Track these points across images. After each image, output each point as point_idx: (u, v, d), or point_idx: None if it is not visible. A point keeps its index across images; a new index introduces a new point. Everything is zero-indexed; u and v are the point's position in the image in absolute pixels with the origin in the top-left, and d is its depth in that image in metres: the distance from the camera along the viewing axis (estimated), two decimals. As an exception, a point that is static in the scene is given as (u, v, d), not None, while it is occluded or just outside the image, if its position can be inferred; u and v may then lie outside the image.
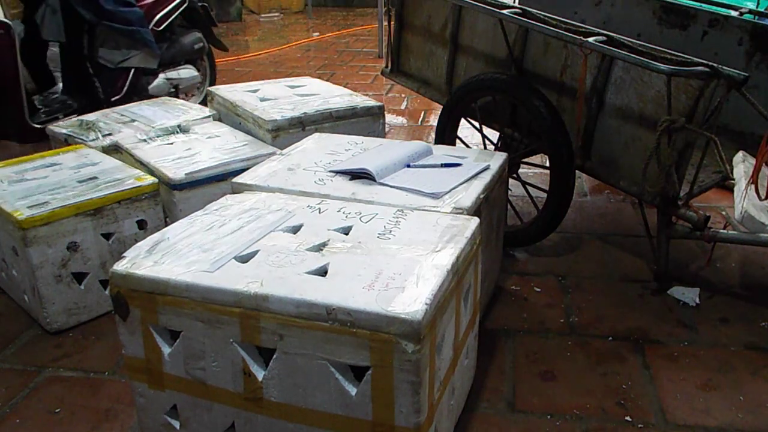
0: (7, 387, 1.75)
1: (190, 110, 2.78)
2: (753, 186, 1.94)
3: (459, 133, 2.56)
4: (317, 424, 1.24)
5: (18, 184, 2.05)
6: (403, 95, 4.65)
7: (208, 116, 2.72)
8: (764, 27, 2.45)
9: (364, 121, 2.59)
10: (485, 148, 2.57)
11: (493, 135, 2.57)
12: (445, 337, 1.31)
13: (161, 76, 3.63)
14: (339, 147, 2.00)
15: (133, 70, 3.40)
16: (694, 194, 2.12)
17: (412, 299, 1.16)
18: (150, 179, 2.10)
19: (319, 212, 1.55)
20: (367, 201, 1.63)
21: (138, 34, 3.28)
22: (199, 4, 3.91)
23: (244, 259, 1.32)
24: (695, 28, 2.61)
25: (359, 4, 9.58)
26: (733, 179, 2.13)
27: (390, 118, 4.04)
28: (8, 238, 1.94)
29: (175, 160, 2.27)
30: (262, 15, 8.98)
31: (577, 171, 2.20)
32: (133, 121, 2.64)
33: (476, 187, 1.69)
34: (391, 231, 1.44)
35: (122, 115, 2.71)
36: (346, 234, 1.44)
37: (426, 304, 1.15)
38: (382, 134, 2.68)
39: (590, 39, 1.95)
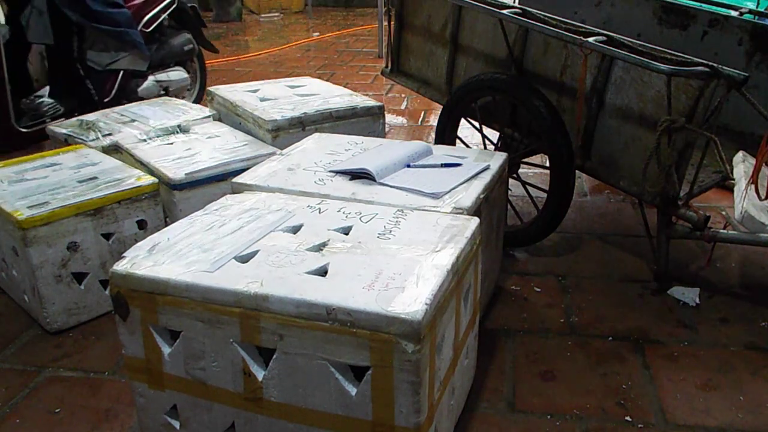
0: (7, 387, 1.75)
1: (190, 110, 2.78)
2: (753, 186, 1.94)
3: (459, 133, 2.56)
4: (317, 424, 1.24)
5: (18, 184, 2.05)
6: (403, 95, 4.65)
7: (208, 116, 2.72)
8: (764, 27, 2.45)
9: (364, 121, 2.59)
10: (485, 148, 2.57)
11: (493, 135, 2.57)
12: (445, 337, 1.31)
13: (150, 78, 3.57)
14: (339, 147, 2.00)
15: (121, 73, 3.35)
16: (694, 194, 2.12)
17: (412, 299, 1.16)
18: (150, 179, 2.10)
19: (319, 212, 1.55)
20: (367, 201, 1.63)
21: (127, 36, 3.23)
22: (189, 5, 3.86)
23: (244, 259, 1.32)
24: (695, 28, 2.61)
25: (359, 4, 9.58)
26: (733, 179, 2.13)
27: (390, 118, 4.04)
28: (8, 238, 1.94)
29: (175, 160, 2.27)
30: (262, 15, 8.99)
31: (577, 171, 2.20)
32: (133, 121, 2.64)
33: (476, 187, 1.69)
34: (391, 231, 1.44)
35: (122, 115, 2.71)
36: (346, 234, 1.44)
37: (426, 304, 1.15)
38: (382, 134, 2.68)
39: (590, 39, 1.95)
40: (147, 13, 3.48)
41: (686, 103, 1.87)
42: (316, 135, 2.15)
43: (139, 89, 3.50)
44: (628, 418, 1.61)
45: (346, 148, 1.98)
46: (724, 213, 2.71)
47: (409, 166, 1.83)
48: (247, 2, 9.06)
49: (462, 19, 2.57)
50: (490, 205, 1.80)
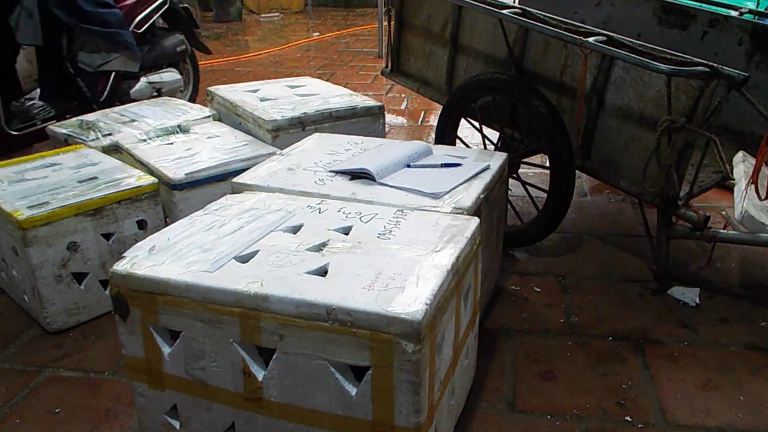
0: (7, 387, 1.75)
1: (190, 110, 2.78)
2: (753, 186, 1.94)
3: (459, 133, 2.56)
4: (317, 424, 1.24)
5: (18, 184, 2.05)
6: (403, 95, 4.65)
7: (208, 116, 2.72)
8: (764, 27, 2.46)
9: (364, 121, 2.59)
10: (485, 148, 2.57)
11: (493, 135, 2.57)
12: (445, 337, 1.31)
13: (143, 79, 3.51)
14: (339, 147, 2.00)
15: (113, 74, 3.30)
16: (694, 194, 2.12)
17: (412, 299, 1.16)
18: (150, 179, 2.10)
19: (319, 212, 1.55)
20: (367, 201, 1.63)
21: (118, 37, 3.18)
22: (181, 5, 3.81)
23: (244, 259, 1.32)
24: (695, 28, 2.61)
25: (359, 4, 9.58)
26: (733, 179, 2.13)
27: (390, 118, 4.04)
28: (8, 238, 1.94)
29: (175, 160, 2.27)
30: (262, 15, 8.99)
31: (577, 171, 2.20)
32: (133, 121, 2.64)
33: (476, 187, 1.69)
34: (391, 231, 1.44)
35: (122, 115, 2.71)
36: (346, 234, 1.44)
37: (426, 304, 1.15)
38: (382, 134, 2.68)
39: (590, 39, 1.95)
40: (139, 14, 3.42)
41: (686, 103, 1.87)
42: (316, 135, 2.15)
43: (132, 91, 3.44)
44: (628, 418, 1.61)
45: (346, 148, 1.98)
46: (724, 213, 2.71)
47: (409, 166, 1.83)
48: (247, 2, 9.06)
49: (462, 19, 2.57)
50: (490, 205, 1.80)
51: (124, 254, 1.35)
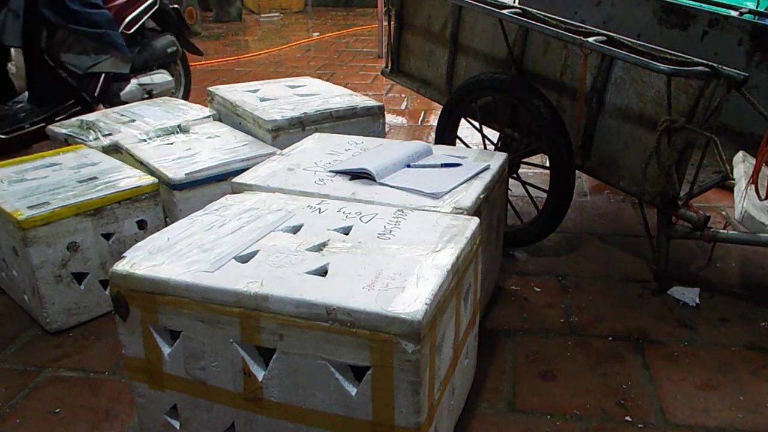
0: (7, 387, 1.75)
1: (190, 110, 2.78)
2: (753, 186, 1.94)
3: (459, 133, 2.56)
4: (317, 424, 1.24)
5: (18, 184, 2.05)
6: (403, 95, 4.65)
7: (208, 116, 2.72)
8: (764, 27, 2.46)
9: (364, 121, 2.59)
10: (485, 148, 2.57)
11: (493, 135, 2.57)
12: (445, 337, 1.31)
13: (133, 81, 3.46)
14: (339, 147, 2.00)
15: (103, 76, 3.25)
16: (694, 194, 2.12)
17: (412, 299, 1.16)
18: (150, 179, 2.10)
19: (319, 212, 1.55)
20: (367, 201, 1.63)
21: (107, 37, 3.13)
22: (171, 6, 3.76)
23: (244, 259, 1.32)
24: (695, 28, 2.62)
25: (359, 4, 9.58)
26: (733, 179, 2.13)
27: (390, 118, 4.04)
28: (8, 238, 1.94)
29: (175, 160, 2.27)
30: (262, 15, 8.99)
31: (577, 171, 2.20)
32: (133, 121, 2.64)
33: (476, 187, 1.69)
34: (391, 231, 1.44)
35: (122, 115, 2.71)
36: (346, 234, 1.44)
37: (426, 304, 1.15)
38: (382, 134, 2.68)
39: (590, 39, 1.95)
40: (128, 15, 3.36)
41: (686, 103, 1.87)
42: (316, 135, 2.15)
43: (122, 93, 3.39)
44: (628, 418, 1.61)
45: (346, 148, 1.98)
46: (724, 213, 2.71)
47: (409, 166, 1.83)
48: (247, 2, 9.06)
49: (462, 19, 2.57)
50: (490, 205, 1.80)
51: (124, 254, 1.35)
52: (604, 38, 1.98)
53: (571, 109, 2.21)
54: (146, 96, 3.49)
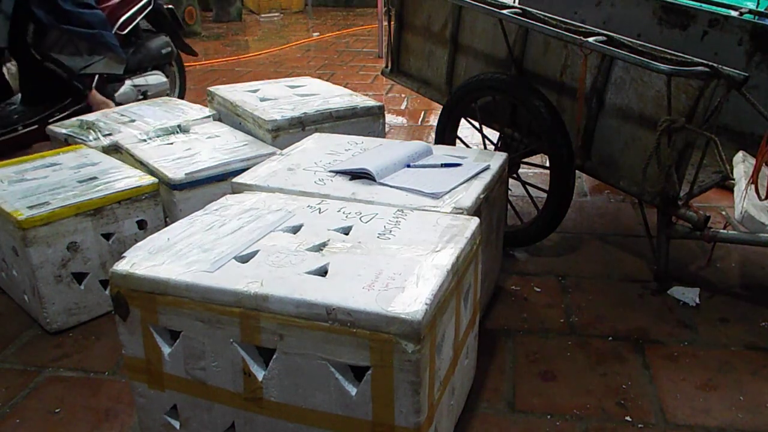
0: (7, 387, 1.75)
1: (190, 110, 2.78)
2: (753, 186, 1.94)
3: (459, 133, 2.56)
4: (317, 424, 1.24)
5: (18, 184, 2.05)
6: (403, 95, 4.65)
7: (208, 116, 2.72)
8: (764, 27, 2.46)
9: (364, 121, 2.59)
10: (485, 148, 2.57)
11: (493, 135, 2.57)
12: (445, 337, 1.31)
13: (128, 82, 3.44)
14: (339, 147, 2.00)
15: (96, 77, 3.21)
16: (694, 194, 2.12)
17: (412, 299, 1.16)
18: (150, 179, 2.10)
19: (319, 212, 1.55)
20: (367, 201, 1.63)
21: (101, 38, 3.09)
22: (165, 6, 3.73)
23: (244, 259, 1.32)
24: (695, 28, 2.61)
25: (359, 4, 9.58)
26: (733, 179, 2.13)
27: (390, 118, 4.04)
28: (8, 238, 1.94)
29: (175, 160, 2.27)
30: (262, 15, 8.99)
31: (577, 171, 2.20)
32: (133, 121, 2.64)
33: (476, 187, 1.69)
34: (391, 231, 1.44)
35: (122, 115, 2.71)
36: (346, 234, 1.44)
37: (426, 304, 1.15)
38: (382, 134, 2.68)
39: (590, 39, 1.95)
40: (122, 15, 3.33)
41: (686, 103, 1.87)
42: (316, 135, 2.15)
43: (116, 94, 3.36)
44: (628, 418, 1.61)
45: (346, 148, 1.98)
46: (724, 213, 2.71)
47: (409, 166, 1.83)
48: (247, 2, 9.06)
49: (462, 19, 2.57)
50: (490, 205, 1.80)
51: (124, 254, 1.35)
52: (604, 38, 1.98)
53: (571, 109, 2.21)
54: (141, 97, 3.46)
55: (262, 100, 2.65)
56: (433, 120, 4.02)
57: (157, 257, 1.33)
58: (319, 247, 1.37)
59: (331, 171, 1.80)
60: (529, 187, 2.47)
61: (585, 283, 2.23)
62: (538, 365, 1.82)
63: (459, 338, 1.44)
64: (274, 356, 1.22)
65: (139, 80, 3.52)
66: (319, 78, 3.20)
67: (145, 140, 2.46)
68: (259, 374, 1.25)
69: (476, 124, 2.50)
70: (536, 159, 2.96)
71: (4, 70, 3.23)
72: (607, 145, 2.15)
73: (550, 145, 2.15)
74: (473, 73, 2.53)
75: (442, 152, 1.95)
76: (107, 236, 2.01)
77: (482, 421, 1.61)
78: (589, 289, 2.19)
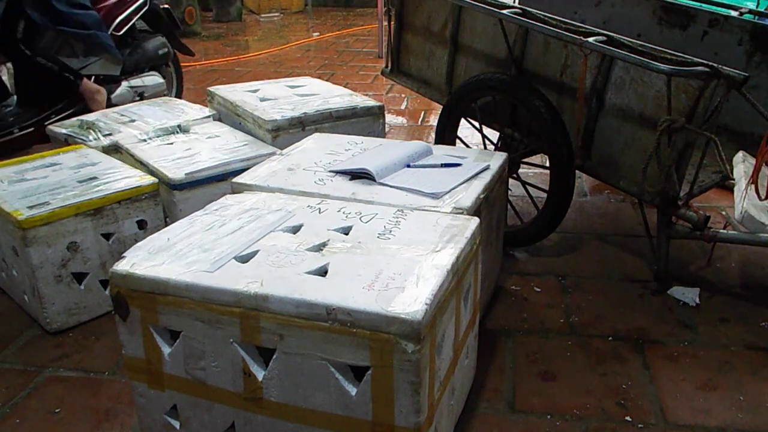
0: (7, 387, 1.75)
1: (190, 110, 2.78)
2: (753, 186, 1.94)
3: (459, 133, 2.56)
4: (317, 424, 1.24)
5: (18, 184, 2.05)
6: (403, 95, 4.65)
7: (208, 116, 2.72)
8: (764, 27, 2.46)
9: (364, 121, 2.59)
10: (485, 148, 2.57)
11: (493, 135, 2.57)
12: (445, 337, 1.31)
13: (124, 83, 3.41)
14: (339, 147, 2.00)
15: (93, 78, 3.18)
16: (694, 194, 2.12)
17: (412, 299, 1.16)
18: (150, 179, 2.10)
19: (319, 212, 1.55)
20: (367, 201, 1.63)
21: (96, 38, 3.07)
22: (162, 6, 3.70)
23: (244, 259, 1.32)
24: (695, 28, 2.61)
25: (359, 4, 9.58)
26: (733, 179, 2.13)
27: (390, 118, 4.04)
28: (8, 238, 1.94)
29: (175, 160, 2.27)
30: (262, 15, 8.99)
31: (577, 171, 2.20)
32: (133, 121, 2.64)
33: (476, 187, 1.69)
34: (391, 231, 1.44)
35: (122, 115, 2.71)
36: (346, 234, 1.44)
37: (426, 304, 1.15)
38: (382, 134, 2.68)
39: (590, 39, 1.95)
40: (118, 16, 3.30)
41: (686, 103, 1.87)
42: (316, 135, 2.15)
43: (113, 96, 3.32)
44: (628, 418, 1.61)
45: (346, 148, 1.98)
46: (724, 213, 2.71)
47: (409, 166, 1.83)
48: (247, 2, 9.06)
49: (462, 19, 2.57)
50: (490, 205, 1.80)
51: (124, 254, 1.36)
52: (604, 38, 1.98)
53: (571, 109, 2.21)
54: (137, 98, 3.43)
55: (262, 100, 2.65)
56: (433, 120, 4.02)
57: (157, 257, 1.33)
58: (319, 247, 1.37)
59: (331, 171, 1.80)
60: (529, 187, 2.47)
61: (585, 283, 2.23)
62: (538, 365, 1.82)
63: (459, 338, 1.44)
64: (274, 356, 1.22)
65: (136, 81, 3.50)
66: (319, 78, 3.20)
67: (145, 140, 2.46)
68: (259, 374, 1.25)
69: (476, 124, 2.50)
70: (536, 159, 2.96)
71: (1, 72, 3.23)
72: (607, 145, 2.15)
73: (550, 145, 2.15)
74: (473, 73, 2.53)
75: (442, 152, 1.95)
76: (107, 236, 2.01)
77: (482, 421, 1.61)
78: (589, 289, 2.19)
